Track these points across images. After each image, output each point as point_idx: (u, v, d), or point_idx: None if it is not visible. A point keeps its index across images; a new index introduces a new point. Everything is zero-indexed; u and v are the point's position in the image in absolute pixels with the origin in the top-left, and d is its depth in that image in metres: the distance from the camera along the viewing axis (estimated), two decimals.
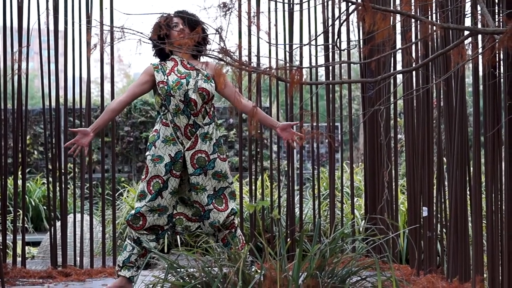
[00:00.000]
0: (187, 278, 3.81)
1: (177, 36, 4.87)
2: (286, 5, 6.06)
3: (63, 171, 6.04)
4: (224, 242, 4.95)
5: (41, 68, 6.04)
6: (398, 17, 4.06)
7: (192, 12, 4.93)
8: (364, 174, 6.55)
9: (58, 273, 5.82)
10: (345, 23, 6.07)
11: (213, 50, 3.19)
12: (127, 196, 8.44)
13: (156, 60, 5.06)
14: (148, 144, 4.98)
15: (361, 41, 6.07)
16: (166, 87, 4.87)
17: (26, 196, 6.56)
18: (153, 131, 4.98)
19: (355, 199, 7.35)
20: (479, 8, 3.53)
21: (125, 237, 6.94)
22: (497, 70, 4.47)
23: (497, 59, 4.41)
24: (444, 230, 5.49)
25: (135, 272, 4.92)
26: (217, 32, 3.19)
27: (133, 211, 4.95)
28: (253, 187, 6.36)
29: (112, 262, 6.11)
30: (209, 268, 3.78)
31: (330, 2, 5.98)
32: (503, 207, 4.49)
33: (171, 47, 4.52)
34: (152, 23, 4.87)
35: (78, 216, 6.31)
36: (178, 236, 6.90)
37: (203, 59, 5.03)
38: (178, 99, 4.85)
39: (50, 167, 6.11)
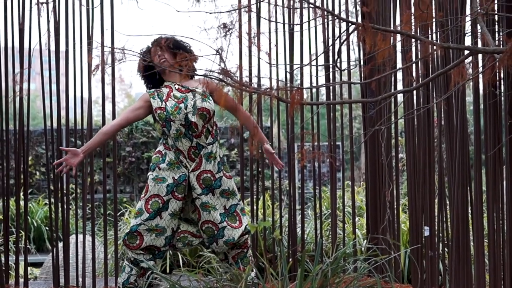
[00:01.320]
0: None
1: (161, 63, 4.87)
2: (287, 26, 6.08)
3: (65, 191, 6.03)
4: (235, 260, 4.94)
5: (43, 89, 6.05)
6: (398, 37, 4.08)
7: (173, 35, 4.94)
8: (366, 193, 6.54)
9: None
10: (345, 43, 6.09)
11: (214, 71, 3.20)
12: (129, 217, 8.43)
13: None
14: (151, 164, 4.97)
15: (361, 60, 6.09)
16: (165, 113, 4.88)
17: (28, 217, 6.55)
18: (156, 152, 4.98)
19: (357, 218, 7.33)
20: (479, 27, 3.54)
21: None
22: (498, 89, 4.48)
23: (498, 78, 4.43)
24: (446, 249, 5.47)
25: None
26: (217, 53, 3.21)
27: (128, 230, 4.93)
28: (255, 207, 6.35)
29: (114, 282, 6.09)
30: None
31: (330, 22, 6.00)
32: (505, 226, 4.48)
33: (170, 68, 4.54)
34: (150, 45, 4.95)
35: (80, 236, 6.30)
36: (180, 257, 6.88)
37: (196, 77, 5.05)
38: (178, 124, 4.85)
39: (52, 188, 6.11)
